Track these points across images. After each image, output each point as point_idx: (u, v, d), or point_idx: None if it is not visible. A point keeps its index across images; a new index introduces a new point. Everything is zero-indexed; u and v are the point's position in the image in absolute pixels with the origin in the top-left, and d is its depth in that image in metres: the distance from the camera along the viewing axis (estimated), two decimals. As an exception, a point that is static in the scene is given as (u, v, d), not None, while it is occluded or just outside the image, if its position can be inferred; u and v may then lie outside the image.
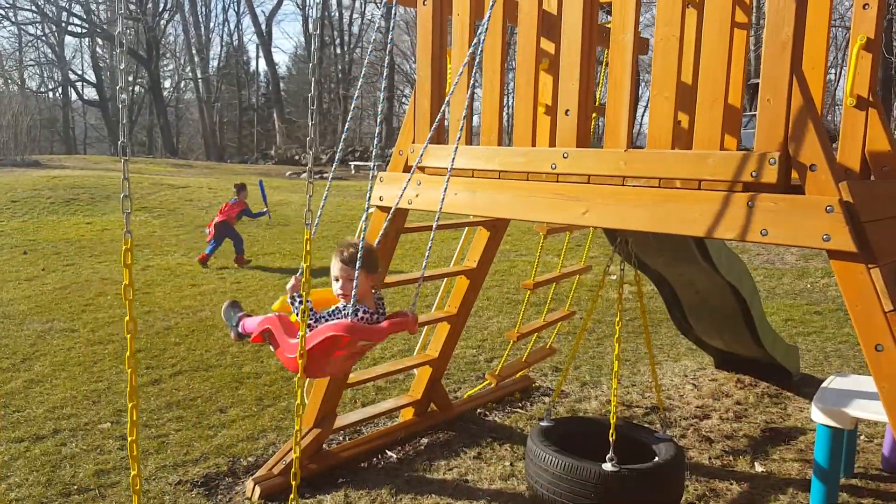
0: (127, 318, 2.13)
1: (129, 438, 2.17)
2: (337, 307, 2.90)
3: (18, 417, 4.90)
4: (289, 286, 2.98)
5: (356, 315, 2.79)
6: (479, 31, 2.93)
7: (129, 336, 2.14)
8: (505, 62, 3.39)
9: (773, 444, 4.71)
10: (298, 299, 2.82)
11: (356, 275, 2.75)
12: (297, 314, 2.86)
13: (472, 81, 3.47)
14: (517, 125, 3.27)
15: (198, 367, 5.97)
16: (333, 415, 4.33)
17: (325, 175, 29.31)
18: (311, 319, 2.78)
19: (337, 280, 2.93)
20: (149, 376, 5.74)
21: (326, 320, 2.81)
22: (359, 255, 2.74)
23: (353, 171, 31.88)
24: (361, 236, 4.09)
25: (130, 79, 49.90)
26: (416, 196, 3.62)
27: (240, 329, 3.35)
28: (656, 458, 3.66)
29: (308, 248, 2.40)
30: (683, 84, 2.85)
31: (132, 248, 2.08)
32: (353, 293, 2.75)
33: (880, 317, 2.32)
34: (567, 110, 3.04)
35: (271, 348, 3.02)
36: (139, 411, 4.98)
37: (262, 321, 3.04)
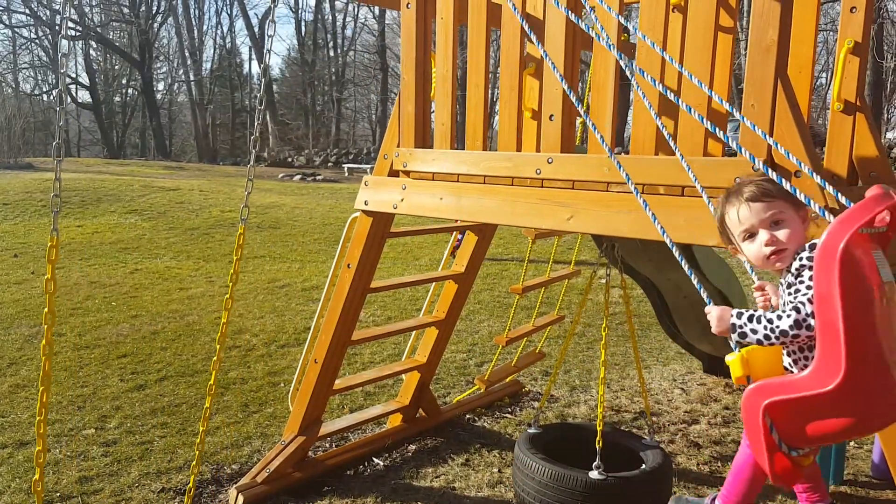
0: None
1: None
2: (785, 286, 1.87)
3: (3, 423, 4.85)
4: (716, 320, 1.88)
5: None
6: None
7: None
8: (489, 66, 3.36)
9: (762, 449, 4.68)
10: (740, 320, 1.84)
11: (798, 213, 1.80)
12: (763, 337, 1.78)
13: (456, 85, 3.45)
14: (502, 130, 3.24)
15: (184, 373, 5.92)
16: (319, 422, 4.29)
17: (317, 177, 29.29)
18: (779, 331, 1.75)
19: (752, 236, 1.93)
20: (134, 381, 5.68)
21: (804, 294, 1.75)
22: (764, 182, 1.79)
23: (346, 174, 31.83)
24: (350, 239, 4.08)
25: (124, 81, 49.81)
26: (402, 200, 3.58)
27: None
28: (643, 466, 3.63)
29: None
30: (667, 89, 2.82)
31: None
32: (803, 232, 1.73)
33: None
34: (551, 115, 3.01)
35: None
36: (125, 417, 4.95)
37: (749, 420, 1.69)
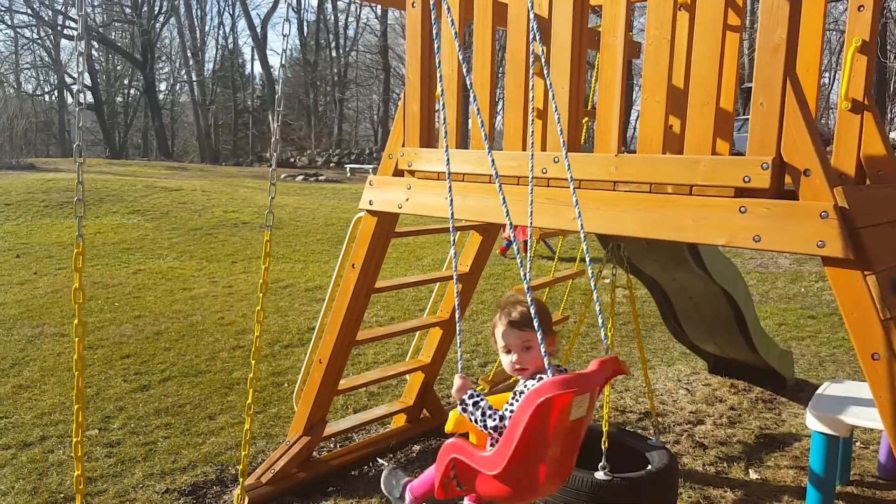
0: None
1: None
2: (515, 393, 2.31)
3: (6, 424, 4.84)
4: (455, 389, 2.33)
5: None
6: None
7: None
8: (495, 65, 3.35)
9: (767, 450, 4.67)
10: (471, 399, 2.27)
11: (539, 337, 2.08)
12: (478, 421, 2.25)
13: (461, 84, 3.43)
14: (507, 129, 3.23)
15: (187, 373, 5.91)
16: (323, 422, 4.28)
17: (320, 177, 29.30)
18: (492, 421, 2.22)
19: (509, 352, 2.35)
20: (137, 382, 5.68)
21: (512, 412, 2.16)
22: (532, 313, 2.10)
23: (348, 174, 31.84)
24: (355, 239, 4.06)
25: (126, 81, 49.85)
26: (407, 200, 3.57)
27: (408, 499, 2.80)
28: (649, 466, 3.62)
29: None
30: (675, 88, 2.81)
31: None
32: (545, 360, 2.06)
33: (877, 325, 2.28)
34: (557, 115, 2.99)
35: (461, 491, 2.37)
36: (128, 418, 4.94)
37: (440, 459, 2.31)
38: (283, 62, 3.14)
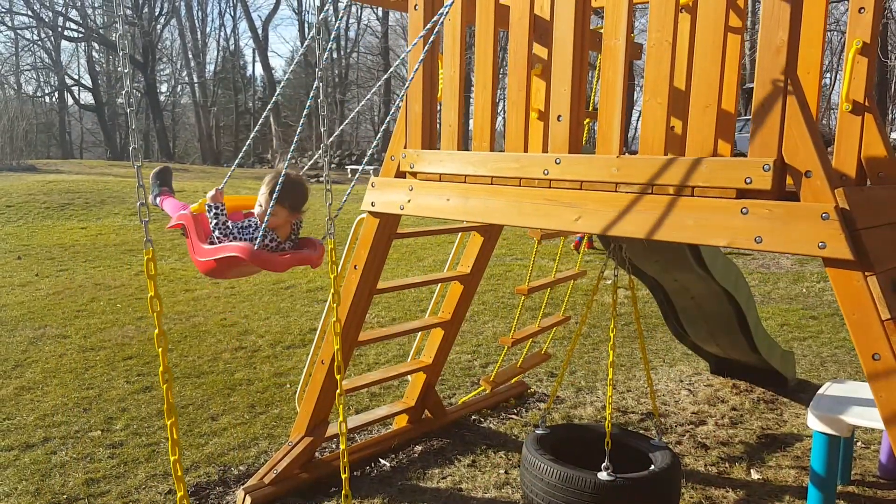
0: None
1: None
2: (250, 221, 3.07)
3: (9, 425, 4.85)
4: (209, 195, 3.07)
5: (263, 240, 2.94)
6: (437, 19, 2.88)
7: None
8: (497, 67, 3.36)
9: (769, 450, 4.68)
10: (216, 209, 3.05)
11: (271, 205, 2.87)
12: (212, 224, 3.08)
13: (463, 86, 3.44)
14: (509, 130, 3.24)
15: (190, 374, 5.92)
16: (326, 422, 4.29)
17: (320, 178, 29.28)
18: (219, 231, 3.04)
19: (260, 206, 3.04)
20: (140, 383, 5.69)
21: (235, 237, 3.02)
22: (277, 187, 2.84)
23: (349, 175, 31.83)
24: (357, 240, 4.07)
25: (127, 83, 49.79)
26: (409, 201, 3.58)
27: (158, 201, 3.55)
28: (652, 466, 3.62)
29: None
30: (676, 89, 2.81)
31: None
32: (264, 221, 2.91)
33: (878, 326, 2.29)
34: (559, 116, 3.00)
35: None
36: (131, 419, 4.95)
37: (179, 215, 3.22)
38: (321, 64, 3.45)
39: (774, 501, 4.02)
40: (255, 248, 2.90)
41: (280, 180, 2.85)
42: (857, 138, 2.99)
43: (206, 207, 3.08)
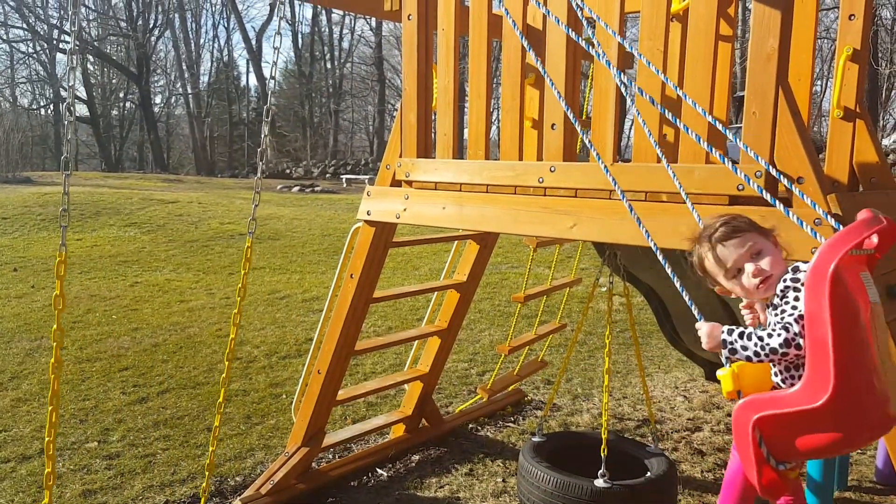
0: None
1: None
2: (775, 305, 1.93)
3: (5, 437, 4.84)
4: (705, 335, 1.92)
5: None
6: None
7: None
8: (491, 76, 3.38)
9: (765, 456, 4.68)
10: (734, 331, 1.88)
11: (769, 240, 1.92)
12: (756, 346, 1.84)
13: (458, 95, 3.46)
14: (504, 139, 3.26)
15: (185, 385, 5.92)
16: (322, 433, 4.28)
17: (315, 188, 29.33)
18: (781, 334, 1.79)
19: (739, 272, 2.02)
20: (136, 394, 5.68)
21: (795, 307, 1.80)
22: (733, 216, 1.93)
23: (344, 185, 31.88)
24: (352, 249, 4.08)
25: (121, 95, 49.89)
26: (404, 210, 3.60)
27: None
28: (648, 473, 3.63)
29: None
30: (668, 97, 2.83)
31: None
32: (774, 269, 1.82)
33: (870, 330, 2.30)
34: (553, 124, 3.02)
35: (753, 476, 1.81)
36: (127, 430, 4.94)
37: (740, 435, 1.80)
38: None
39: (771, 507, 4.02)
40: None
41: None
42: (848, 145, 3.01)
43: (726, 351, 1.90)
